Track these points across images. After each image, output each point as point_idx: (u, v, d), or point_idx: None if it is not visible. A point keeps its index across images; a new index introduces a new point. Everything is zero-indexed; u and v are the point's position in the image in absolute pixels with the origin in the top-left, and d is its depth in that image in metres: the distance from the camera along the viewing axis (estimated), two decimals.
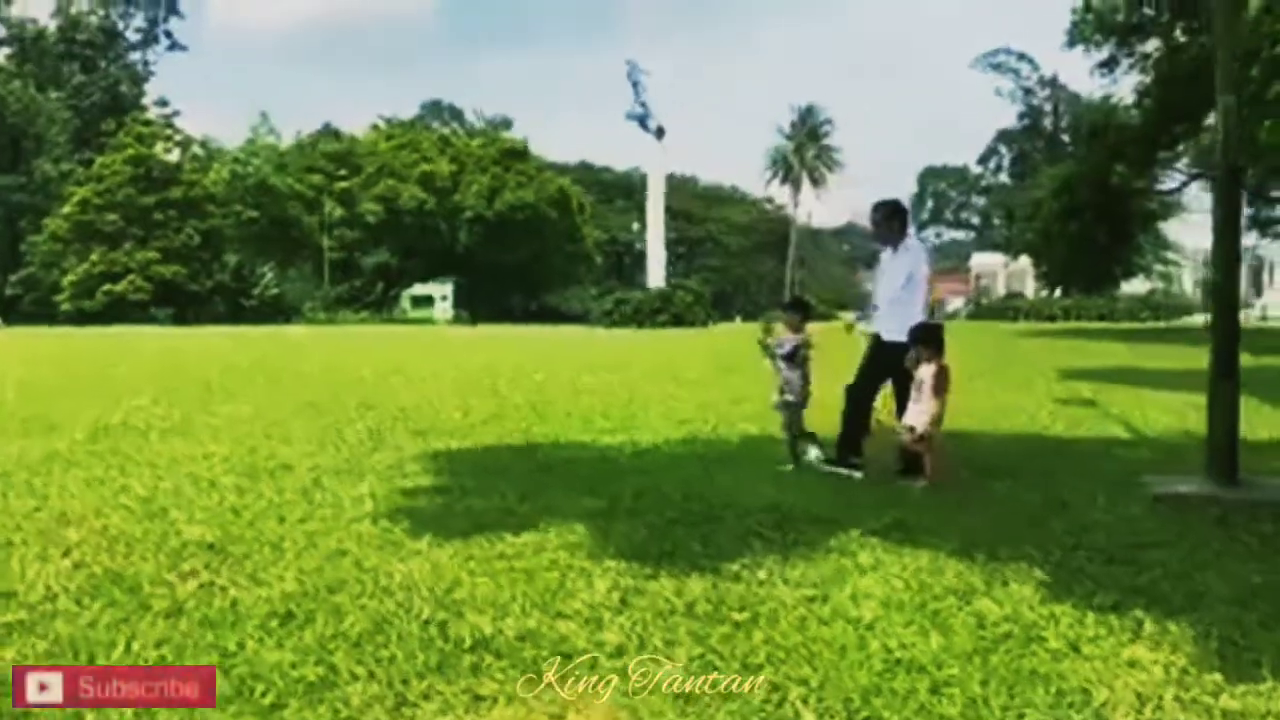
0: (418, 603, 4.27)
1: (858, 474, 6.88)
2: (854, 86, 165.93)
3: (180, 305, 65.20)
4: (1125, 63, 36.30)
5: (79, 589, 4.53)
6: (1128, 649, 3.67)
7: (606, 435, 8.76)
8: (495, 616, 4.07)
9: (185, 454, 8.05)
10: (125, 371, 15.29)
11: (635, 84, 45.79)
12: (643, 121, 45.82)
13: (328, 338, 30.08)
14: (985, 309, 79.76)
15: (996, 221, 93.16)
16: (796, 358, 7.22)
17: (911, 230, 7.54)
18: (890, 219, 7.29)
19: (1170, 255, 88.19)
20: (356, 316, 63.75)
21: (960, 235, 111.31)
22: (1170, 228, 73.09)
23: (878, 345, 7.19)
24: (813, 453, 7.16)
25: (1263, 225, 34.62)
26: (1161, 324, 58.70)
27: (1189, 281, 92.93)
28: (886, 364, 7.04)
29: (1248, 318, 69.59)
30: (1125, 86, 36.92)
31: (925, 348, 6.73)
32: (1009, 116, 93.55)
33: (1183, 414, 10.61)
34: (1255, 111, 21.60)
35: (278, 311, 67.99)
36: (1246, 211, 34.66)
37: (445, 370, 14.99)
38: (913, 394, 6.75)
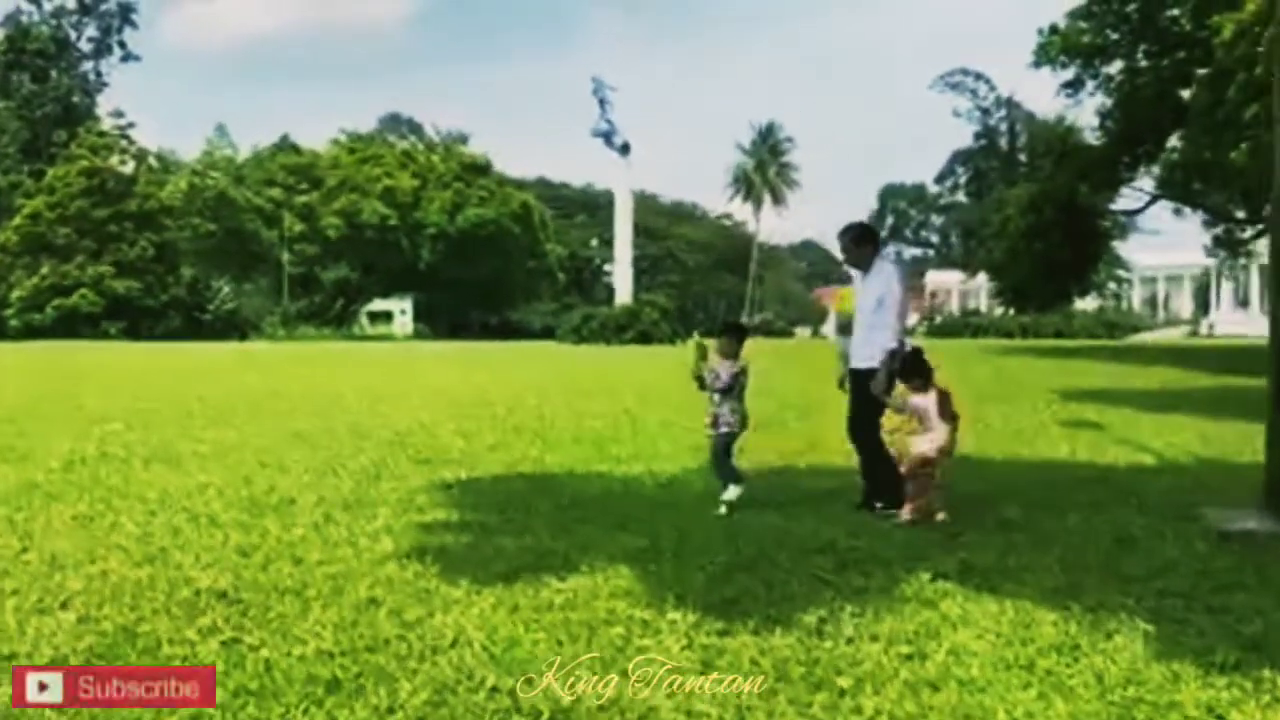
0: (475, 665, 3.85)
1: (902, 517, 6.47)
2: (809, 104, 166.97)
3: (133, 320, 63.71)
4: (1090, 84, 36.63)
5: (89, 650, 4.06)
6: (1276, 717, 3.36)
7: (623, 465, 8.35)
8: (567, 682, 3.67)
9: (176, 486, 7.55)
10: (92, 393, 14.62)
11: (602, 101, 45.42)
12: (608, 138, 45.43)
13: (294, 355, 29.35)
14: (943, 326, 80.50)
15: (954, 239, 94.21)
16: (734, 389, 6.64)
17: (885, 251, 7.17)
18: (860, 242, 6.89)
19: (1121, 273, 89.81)
20: (317, 333, 62.62)
21: (919, 252, 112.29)
22: (1125, 246, 74.45)
23: (854, 376, 6.77)
24: (731, 491, 6.61)
25: (1230, 245, 35.07)
26: (1115, 342, 59.36)
27: (1137, 299, 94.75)
28: (869, 394, 6.58)
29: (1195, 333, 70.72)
30: (1081, 107, 37.22)
31: (914, 378, 6.35)
32: (966, 135, 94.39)
33: (1191, 438, 10.48)
34: (1230, 134, 21.77)
35: (233, 327, 66.71)
36: (1214, 231, 35.10)
37: (430, 391, 14.48)
38: (917, 425, 6.41)
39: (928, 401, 6.33)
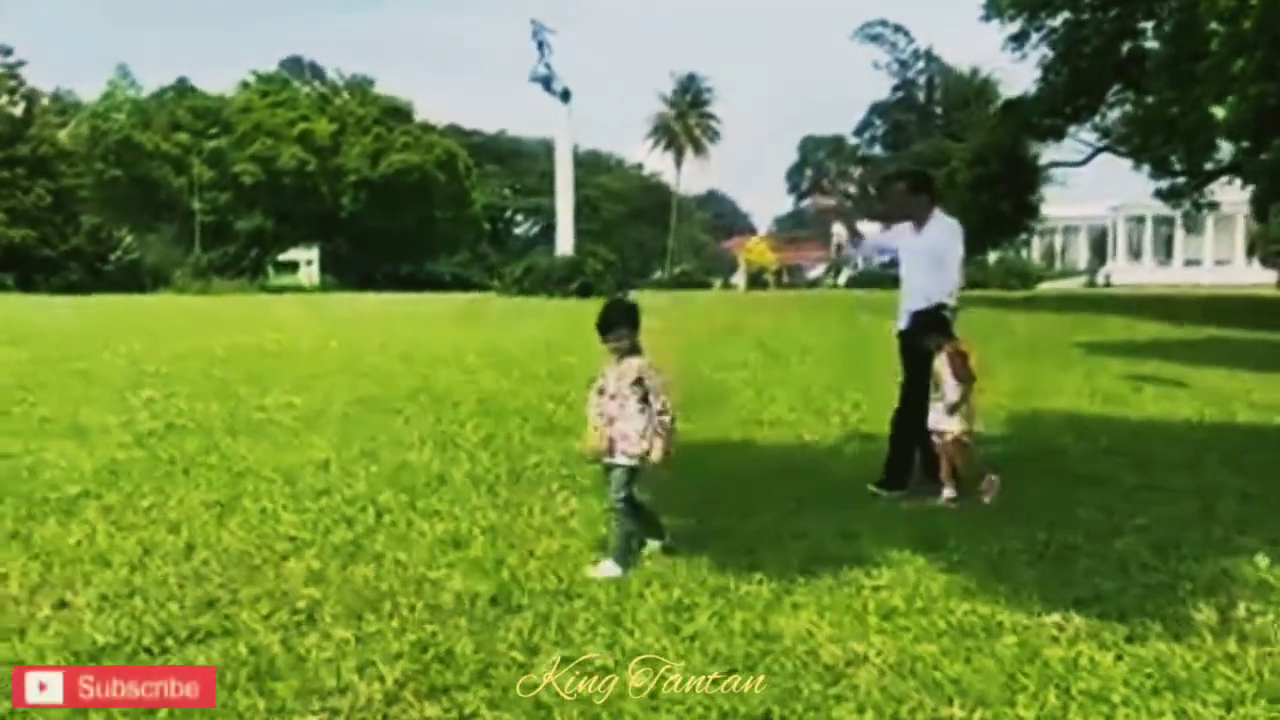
0: (908, 691, 3.30)
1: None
2: (714, 52, 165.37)
3: (28, 270, 60.02)
4: (1035, 36, 36.83)
5: (412, 678, 3.38)
6: None
7: (757, 429, 7.81)
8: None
9: (289, 463, 6.72)
10: (76, 355, 13.33)
11: (540, 44, 43.67)
12: (548, 84, 43.95)
13: (241, 309, 27.66)
14: (860, 278, 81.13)
15: (872, 191, 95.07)
16: (648, 406, 4.63)
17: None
18: (916, 191, 6.37)
19: (1033, 224, 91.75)
20: (233, 285, 59.75)
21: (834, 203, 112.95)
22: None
23: (904, 344, 6.23)
24: (609, 567, 4.53)
25: (1166, 196, 35.92)
26: (1030, 292, 60.42)
27: (1036, 250, 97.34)
28: (922, 364, 6.04)
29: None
30: (999, 61, 37.58)
31: (934, 335, 5.85)
32: (886, 88, 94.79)
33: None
34: (1210, 88, 21.89)
35: (136, 279, 63.28)
36: (1157, 185, 35.80)
37: (453, 350, 13.42)
38: (932, 392, 5.86)
39: (941, 364, 5.80)
